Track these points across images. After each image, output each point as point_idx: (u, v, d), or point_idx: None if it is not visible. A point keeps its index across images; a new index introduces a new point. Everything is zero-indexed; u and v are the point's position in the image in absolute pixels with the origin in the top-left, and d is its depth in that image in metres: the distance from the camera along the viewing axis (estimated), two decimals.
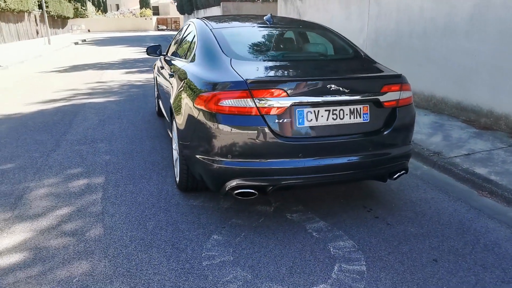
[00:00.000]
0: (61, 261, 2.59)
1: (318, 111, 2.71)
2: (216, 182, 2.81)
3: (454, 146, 4.64)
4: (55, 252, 2.68)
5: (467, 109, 5.61)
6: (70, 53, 19.49)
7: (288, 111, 2.66)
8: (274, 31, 3.76)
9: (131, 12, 58.83)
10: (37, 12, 23.37)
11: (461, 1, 5.51)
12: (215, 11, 21.97)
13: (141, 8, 58.60)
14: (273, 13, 4.40)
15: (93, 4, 63.67)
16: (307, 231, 2.96)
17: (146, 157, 4.49)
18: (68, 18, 35.19)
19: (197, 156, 2.87)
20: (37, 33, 23.54)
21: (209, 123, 2.71)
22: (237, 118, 2.65)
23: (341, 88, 2.70)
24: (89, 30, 46.74)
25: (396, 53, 6.95)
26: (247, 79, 2.64)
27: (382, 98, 2.85)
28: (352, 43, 3.68)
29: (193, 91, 2.96)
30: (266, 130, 2.63)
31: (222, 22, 3.86)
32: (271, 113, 2.64)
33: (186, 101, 3.08)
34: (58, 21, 31.45)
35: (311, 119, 2.71)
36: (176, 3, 37.28)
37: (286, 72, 2.95)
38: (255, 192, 2.75)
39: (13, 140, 5.22)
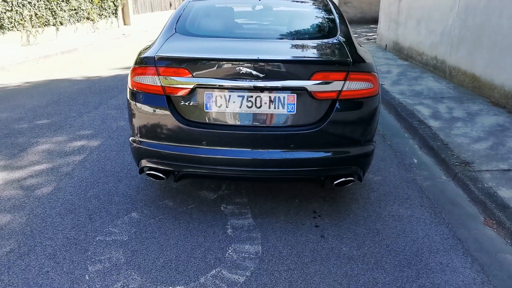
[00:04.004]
0: None
1: (230, 96, 2.39)
2: (135, 160, 2.75)
3: (497, 157, 3.66)
4: None
5: None
6: None
7: (195, 94, 2.42)
8: (256, 7, 3.40)
9: None
10: None
11: None
12: None
13: None
14: None
15: None
16: (225, 226, 2.71)
17: None
18: None
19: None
20: (170, 5, 25.78)
21: (129, 100, 2.64)
22: (146, 97, 2.51)
23: (253, 72, 2.32)
24: None
25: (483, 37, 5.69)
26: (156, 55, 2.46)
27: (311, 88, 2.36)
28: (340, 22, 3.06)
29: None
30: (168, 111, 2.44)
31: None
32: (176, 94, 2.43)
33: None
34: None
35: (221, 105, 2.41)
36: None
37: (210, 51, 2.63)
38: (162, 176, 2.61)
39: (70, 100, 5.90)
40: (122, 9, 17.95)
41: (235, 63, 2.35)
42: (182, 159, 2.49)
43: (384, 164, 3.71)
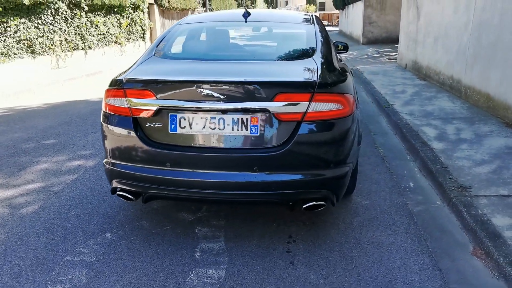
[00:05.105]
0: None
1: (193, 117, 2.38)
2: (108, 181, 2.78)
3: (498, 182, 3.44)
4: None
5: None
6: None
7: (159, 115, 2.43)
8: (239, 30, 3.42)
9: (297, 8, 60.85)
10: (200, 9, 26.35)
11: None
12: (359, 5, 20.93)
13: (307, 3, 60.08)
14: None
15: (265, 1, 68.57)
16: (194, 249, 2.66)
17: None
18: None
19: None
20: None
21: (101, 122, 2.69)
22: (115, 118, 2.55)
23: (214, 94, 2.30)
24: None
25: (496, 54, 5.46)
26: (124, 78, 2.50)
27: (274, 109, 2.31)
28: (321, 43, 2.99)
29: None
30: (133, 133, 2.45)
31: (202, 17, 3.70)
32: (141, 115, 2.45)
33: None
34: None
35: (185, 126, 2.40)
36: None
37: (175, 73, 2.64)
38: (131, 197, 2.62)
39: (81, 120, 6.10)
40: (150, 33, 18.63)
41: (197, 85, 2.35)
42: (147, 180, 2.49)
43: (376, 188, 3.56)
